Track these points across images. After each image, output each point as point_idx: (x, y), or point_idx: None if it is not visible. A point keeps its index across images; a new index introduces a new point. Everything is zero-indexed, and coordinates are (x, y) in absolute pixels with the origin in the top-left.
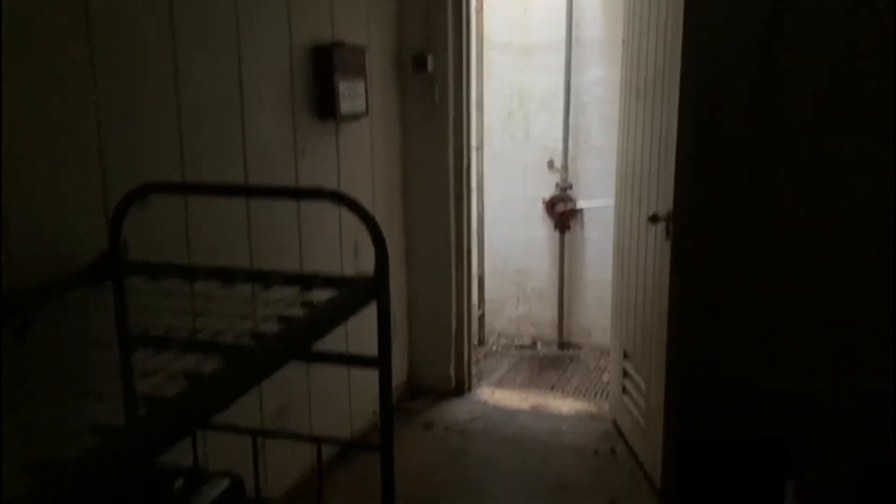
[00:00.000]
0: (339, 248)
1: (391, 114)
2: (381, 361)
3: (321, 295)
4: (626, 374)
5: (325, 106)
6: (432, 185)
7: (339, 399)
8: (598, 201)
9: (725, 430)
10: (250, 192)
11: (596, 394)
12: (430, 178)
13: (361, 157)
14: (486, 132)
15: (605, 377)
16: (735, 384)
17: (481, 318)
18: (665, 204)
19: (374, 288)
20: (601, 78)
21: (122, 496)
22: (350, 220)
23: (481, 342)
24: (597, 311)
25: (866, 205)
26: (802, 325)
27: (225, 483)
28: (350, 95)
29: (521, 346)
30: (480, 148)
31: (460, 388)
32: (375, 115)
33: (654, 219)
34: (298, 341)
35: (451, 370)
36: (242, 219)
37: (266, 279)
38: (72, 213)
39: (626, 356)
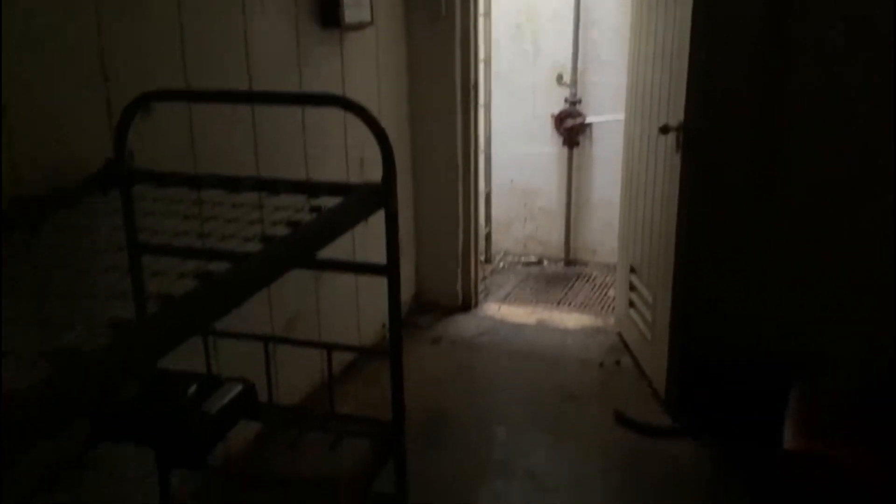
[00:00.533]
0: (346, 162)
1: (396, 24)
2: (390, 269)
3: (328, 203)
4: (632, 287)
5: (328, 14)
6: (439, 99)
7: (348, 313)
8: (607, 116)
9: (730, 341)
10: (255, 98)
11: (602, 308)
12: (436, 92)
13: (366, 68)
14: (493, 46)
15: (611, 293)
16: (741, 295)
17: (488, 237)
18: (676, 114)
19: (381, 195)
20: None
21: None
22: (356, 133)
23: (488, 260)
24: (603, 229)
25: (878, 123)
26: (810, 239)
27: (238, 388)
28: (354, 4)
29: (528, 264)
30: (488, 62)
31: (467, 303)
32: (381, 24)
33: (664, 129)
34: (308, 244)
35: (459, 286)
36: (248, 130)
37: (273, 187)
38: (76, 123)
39: (632, 270)
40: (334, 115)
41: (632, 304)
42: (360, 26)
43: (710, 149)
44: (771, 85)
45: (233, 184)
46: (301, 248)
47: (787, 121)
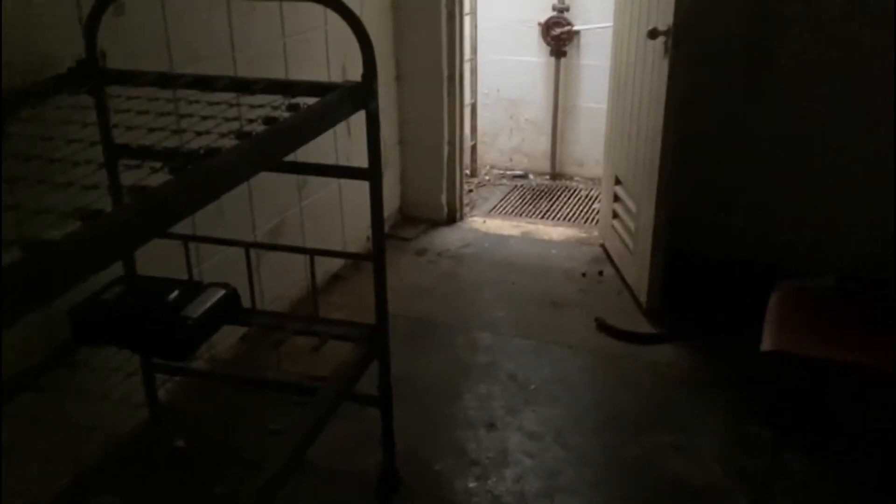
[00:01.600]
0: (327, 68)
1: (382, 4)
2: (372, 172)
3: (307, 102)
4: (616, 199)
5: None
6: (423, 5)
7: (332, 223)
8: (595, 24)
9: (713, 249)
10: None
11: (586, 221)
12: (422, 57)
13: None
14: None
15: (596, 206)
16: (725, 202)
17: (473, 149)
18: (665, 18)
19: (361, 94)
20: None
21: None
22: (337, 37)
23: (473, 174)
24: (590, 142)
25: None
26: (795, 144)
27: (220, 293)
28: None
29: (514, 177)
30: None
31: (452, 216)
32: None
33: (652, 34)
34: (285, 140)
35: (443, 199)
36: (224, 32)
37: (249, 86)
38: (45, 21)
39: (617, 181)
40: (315, 18)
41: (616, 215)
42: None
43: (699, 52)
44: None
45: (208, 83)
46: (277, 145)
47: (778, 21)
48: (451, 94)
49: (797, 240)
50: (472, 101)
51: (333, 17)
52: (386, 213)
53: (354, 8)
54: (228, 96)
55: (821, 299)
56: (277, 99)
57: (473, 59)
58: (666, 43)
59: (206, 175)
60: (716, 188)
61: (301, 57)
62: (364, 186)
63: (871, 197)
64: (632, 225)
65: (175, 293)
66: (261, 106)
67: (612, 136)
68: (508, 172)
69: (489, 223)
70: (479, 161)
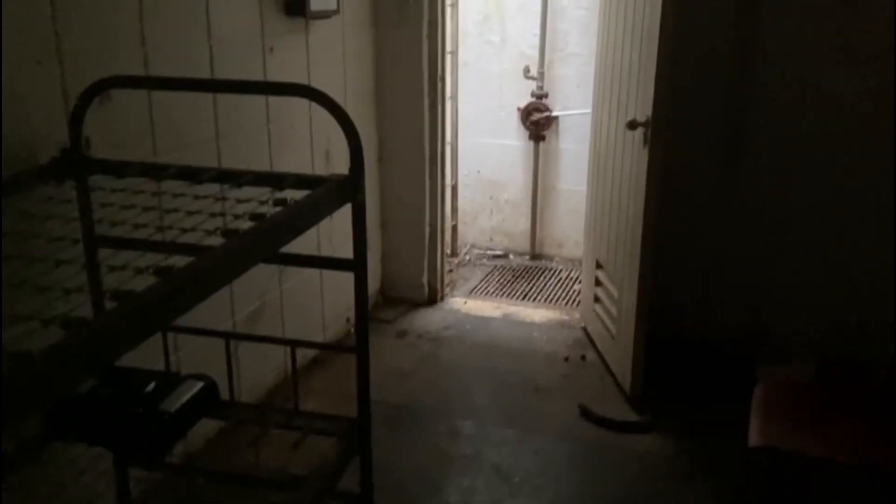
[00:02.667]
0: (311, 154)
1: (363, 13)
2: (357, 264)
3: (294, 196)
4: (598, 282)
5: (293, 1)
6: (406, 90)
7: (312, 306)
8: (574, 110)
9: (695, 336)
10: (217, 86)
11: (567, 303)
12: (403, 82)
13: (332, 58)
14: (460, 37)
15: (577, 287)
16: (705, 286)
17: (454, 229)
18: (644, 110)
19: (349, 188)
20: None
21: (92, 393)
22: (322, 123)
23: (454, 253)
24: (570, 223)
25: (847, 107)
26: (772, 227)
27: (198, 385)
28: None
29: (494, 257)
30: (455, 53)
31: (433, 297)
32: (347, 13)
33: (632, 125)
34: (272, 239)
35: (425, 279)
36: (209, 120)
37: (236, 178)
38: (30, 110)
39: (598, 266)
40: (300, 104)
41: (597, 299)
42: (326, 14)
43: (677, 143)
44: (738, 78)
45: (194, 174)
46: (264, 243)
47: (753, 113)
48: (433, 175)
49: (777, 321)
50: (453, 182)
51: (318, 105)
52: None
53: (338, 90)
54: (214, 188)
55: (807, 390)
56: (264, 192)
57: (454, 142)
58: (645, 133)
59: (192, 277)
60: (696, 271)
61: (285, 143)
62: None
63: (848, 278)
64: (613, 309)
65: (151, 386)
66: (247, 200)
67: (592, 221)
68: (489, 252)
69: (470, 304)
70: (459, 241)
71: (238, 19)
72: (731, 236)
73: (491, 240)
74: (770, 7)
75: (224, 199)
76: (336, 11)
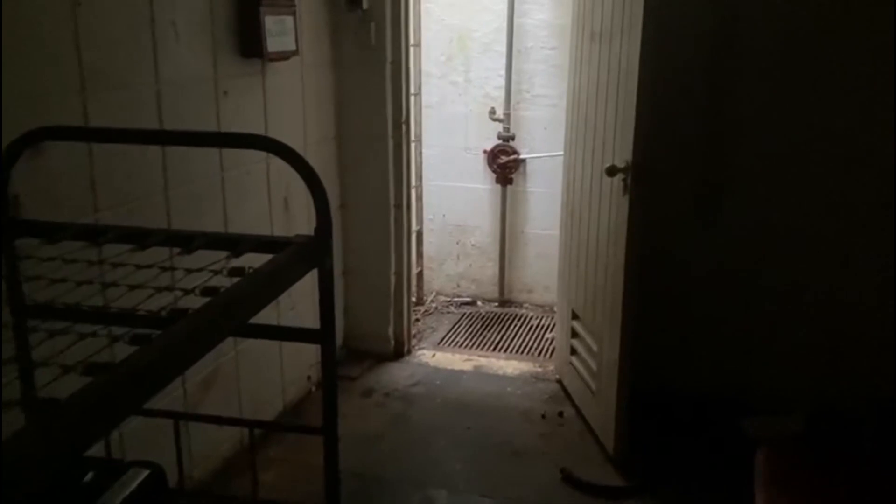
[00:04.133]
0: (269, 202)
1: (323, 55)
2: (324, 335)
3: (252, 261)
4: (574, 334)
5: (250, 43)
6: (369, 133)
7: (271, 366)
8: (542, 153)
9: (679, 390)
10: (165, 138)
11: (540, 353)
12: (366, 126)
13: (291, 101)
14: (423, 78)
15: (549, 335)
16: (689, 339)
17: (419, 276)
18: (623, 154)
19: (315, 250)
20: (546, 21)
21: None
22: (281, 169)
23: (420, 301)
24: (539, 268)
25: (827, 153)
26: (756, 277)
27: (143, 474)
28: (278, 32)
29: (462, 304)
30: (418, 94)
31: (400, 350)
32: (306, 55)
33: (611, 171)
34: (228, 318)
35: (390, 331)
36: (157, 171)
37: (187, 242)
38: None
39: (575, 316)
40: (255, 153)
41: (574, 351)
42: (284, 56)
43: (657, 188)
44: (715, 118)
45: (139, 238)
46: (221, 324)
47: (731, 156)
48: (399, 221)
49: (761, 373)
50: (419, 227)
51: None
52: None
53: (298, 135)
54: (163, 253)
55: (809, 458)
56: (220, 257)
57: (419, 186)
58: (625, 180)
59: (127, 379)
60: (677, 322)
61: (241, 192)
62: (305, 321)
63: (831, 328)
64: (593, 363)
65: (90, 476)
66: (199, 270)
67: (566, 269)
68: (456, 300)
69: (439, 356)
70: (425, 288)
71: (189, 62)
72: (712, 285)
73: (458, 286)
74: (746, 43)
75: (173, 268)
76: (295, 52)
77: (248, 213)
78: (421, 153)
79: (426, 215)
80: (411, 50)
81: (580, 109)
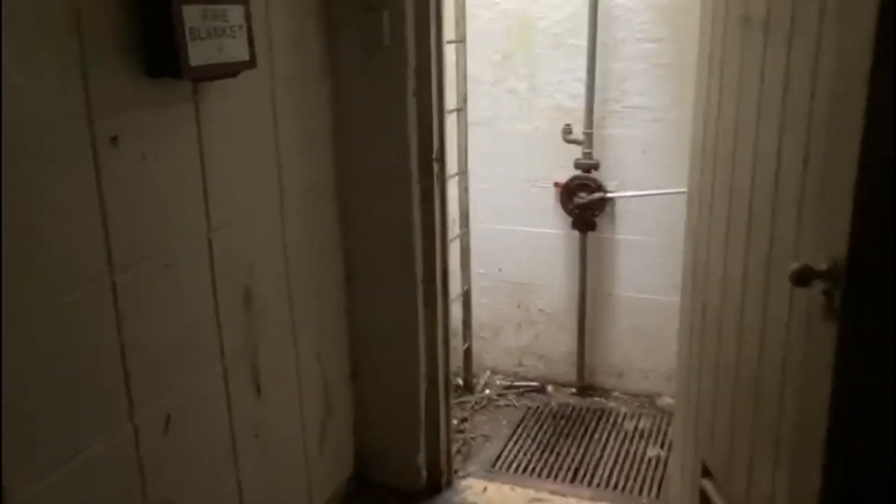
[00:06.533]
0: (214, 304)
1: (308, 63)
2: None
3: None
4: (704, 497)
5: (158, 53)
6: (384, 177)
7: None
8: (639, 189)
9: None
10: None
11: (640, 484)
12: (379, 166)
13: (251, 137)
14: (470, 85)
15: (651, 451)
16: None
17: (468, 353)
18: (829, 249)
19: None
20: (648, 1)
21: None
22: (235, 248)
23: (468, 387)
24: (633, 345)
25: None
26: None
27: None
28: (213, 32)
29: (525, 390)
30: (463, 110)
31: (435, 482)
32: (278, 65)
33: (802, 278)
34: None
35: (421, 458)
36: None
37: None
38: None
39: (706, 471)
40: (184, 214)
41: None
42: (228, 71)
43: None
44: None
45: None
46: None
47: None
48: (429, 299)
49: None
50: (465, 287)
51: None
52: (329, 490)
53: (265, 192)
54: None
55: None
56: None
57: (466, 234)
58: (829, 294)
59: None
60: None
61: (155, 299)
62: None
63: None
64: None
65: None
66: None
67: (692, 389)
68: (517, 384)
69: (493, 492)
70: (475, 366)
71: (34, 87)
72: None
73: (520, 364)
74: None
75: None
76: (248, 63)
77: (171, 328)
78: (467, 189)
79: (475, 268)
80: (450, 49)
81: (724, 136)
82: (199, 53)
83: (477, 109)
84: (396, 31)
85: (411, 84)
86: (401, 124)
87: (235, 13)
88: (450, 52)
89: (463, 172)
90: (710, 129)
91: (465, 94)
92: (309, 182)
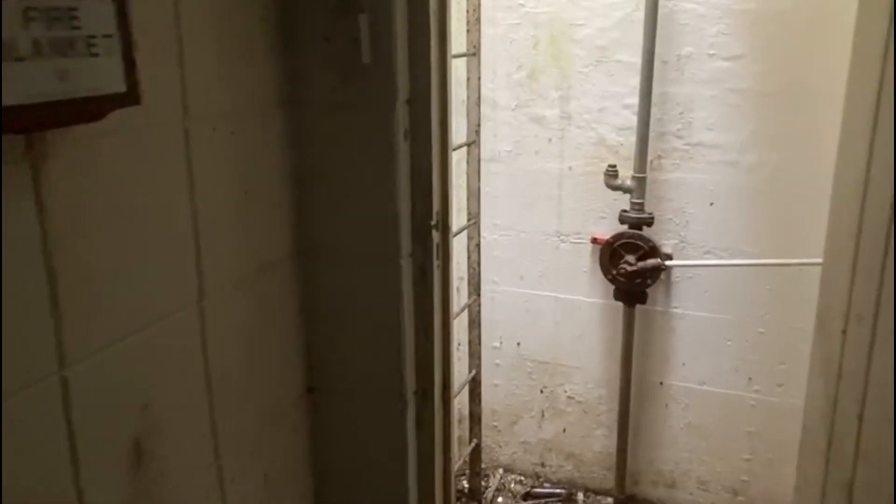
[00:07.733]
0: (72, 473)
1: (251, 92)
2: None
3: None
4: None
5: None
6: (363, 246)
7: None
8: (708, 253)
9: None
10: None
11: None
12: (356, 232)
13: (145, 211)
14: (485, 110)
15: None
16: None
17: (475, 451)
18: None
19: None
20: (723, 5)
21: None
22: (112, 388)
23: (474, 496)
24: (692, 446)
25: None
26: None
27: None
28: (49, 46)
29: (548, 499)
30: (475, 143)
31: None
32: (195, 97)
33: None
34: None
35: None
36: None
37: None
38: None
39: None
40: (25, 327)
41: None
42: (84, 112)
43: None
44: None
45: None
46: None
47: None
48: (425, 426)
49: None
50: (474, 371)
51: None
52: None
53: (186, 285)
54: None
55: None
56: None
57: (476, 302)
58: None
59: None
60: None
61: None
62: None
63: None
64: None
65: None
66: None
67: None
68: (536, 489)
69: None
70: (485, 463)
71: None
72: None
73: (542, 464)
74: None
75: None
76: (125, 98)
77: None
78: (479, 244)
79: (488, 340)
80: (458, 64)
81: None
82: (20, 84)
83: (493, 142)
84: (381, 42)
85: (402, 120)
86: (386, 178)
87: (95, 14)
88: (458, 68)
89: (473, 223)
90: (854, 186)
91: (478, 124)
92: (250, 261)
